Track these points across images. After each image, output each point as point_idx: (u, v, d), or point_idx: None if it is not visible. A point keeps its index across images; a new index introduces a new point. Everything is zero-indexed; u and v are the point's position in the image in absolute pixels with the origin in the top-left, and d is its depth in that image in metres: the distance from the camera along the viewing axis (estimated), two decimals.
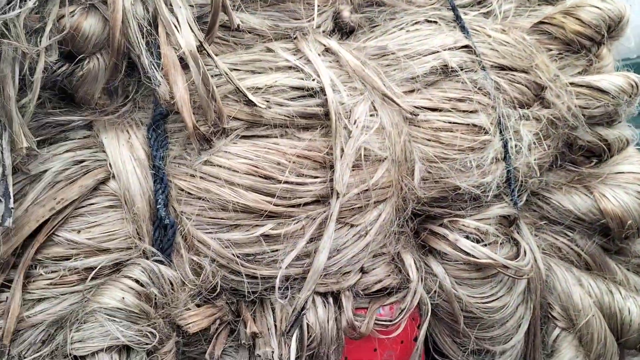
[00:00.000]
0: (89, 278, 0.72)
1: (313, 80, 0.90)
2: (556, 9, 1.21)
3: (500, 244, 1.04)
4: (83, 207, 0.75)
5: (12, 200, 0.65)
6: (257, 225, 0.83)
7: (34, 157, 0.74)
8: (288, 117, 0.86)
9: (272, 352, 0.78)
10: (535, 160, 1.10)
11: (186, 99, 0.77)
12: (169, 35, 0.77)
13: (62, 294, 0.71)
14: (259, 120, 0.85)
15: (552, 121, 1.11)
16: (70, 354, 0.65)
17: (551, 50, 1.18)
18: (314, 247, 0.87)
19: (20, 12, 0.62)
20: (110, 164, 0.77)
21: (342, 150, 0.89)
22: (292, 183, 0.85)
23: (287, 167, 0.84)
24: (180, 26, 0.77)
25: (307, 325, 0.86)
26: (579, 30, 1.15)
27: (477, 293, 1.01)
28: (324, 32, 1.05)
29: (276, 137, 0.86)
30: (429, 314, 1.00)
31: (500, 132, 1.06)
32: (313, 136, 0.89)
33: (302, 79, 0.89)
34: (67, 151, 0.76)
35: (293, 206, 0.85)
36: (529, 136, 1.08)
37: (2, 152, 0.65)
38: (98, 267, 0.72)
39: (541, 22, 1.20)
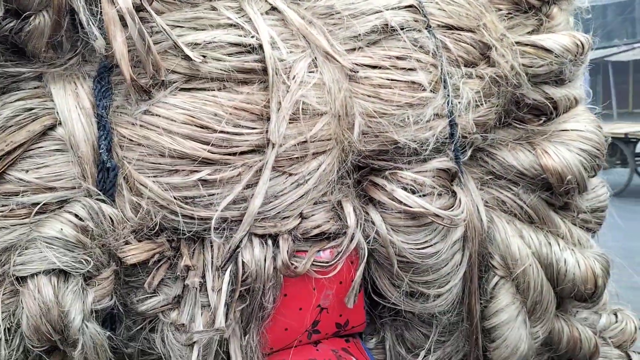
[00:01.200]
0: (34, 212, 0.81)
1: (252, 37, 0.96)
2: None
3: (438, 195, 1.10)
4: (32, 149, 0.84)
5: None
6: (194, 171, 0.91)
7: None
8: (225, 71, 0.93)
9: (200, 282, 0.87)
10: (477, 117, 1.15)
11: (124, 53, 0.84)
12: None
13: (12, 225, 0.81)
14: (197, 74, 0.92)
15: (495, 79, 1.15)
16: (13, 275, 0.75)
17: (501, 10, 1.22)
18: (250, 192, 0.95)
19: None
20: (57, 112, 0.86)
21: (280, 103, 0.96)
22: (228, 133, 0.92)
23: (224, 118, 0.92)
24: None
25: (243, 262, 0.95)
26: None
27: (412, 240, 1.09)
28: None
29: (214, 90, 0.93)
30: (365, 257, 1.07)
31: (445, 89, 1.12)
32: (251, 90, 0.96)
33: (241, 36, 0.96)
34: (18, 100, 0.85)
35: (229, 154, 0.93)
36: (470, 94, 1.13)
37: None
38: (42, 203, 0.82)
39: None
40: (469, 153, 1.20)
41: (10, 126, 0.82)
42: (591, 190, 1.32)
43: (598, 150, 1.20)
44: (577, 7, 1.30)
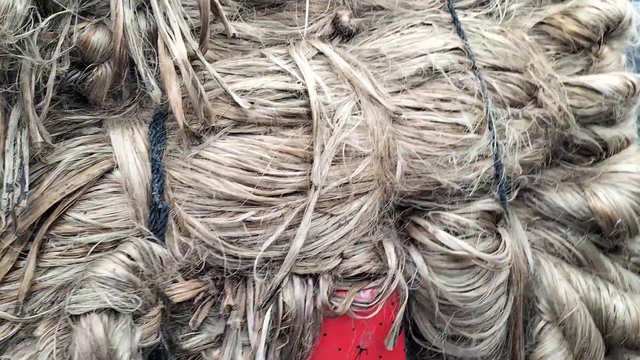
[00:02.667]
0: (90, 251, 0.86)
1: (298, 82, 1.00)
2: (557, 9, 1.23)
3: (482, 237, 1.10)
4: (91, 192, 0.90)
5: (27, 185, 0.80)
6: (239, 212, 0.94)
7: (52, 150, 0.88)
8: (272, 116, 0.96)
9: (241, 322, 0.90)
10: (523, 158, 1.14)
11: (178, 101, 0.89)
12: (166, 46, 0.89)
13: (69, 264, 0.86)
14: (245, 119, 0.95)
15: (542, 120, 1.14)
16: (67, 312, 0.80)
17: (549, 50, 1.21)
18: (292, 233, 0.97)
19: (33, 32, 0.76)
20: (115, 156, 0.91)
21: (323, 146, 0.99)
22: (272, 175, 0.95)
23: (269, 161, 0.95)
24: (175, 37, 0.89)
25: (283, 302, 0.97)
26: (576, 31, 1.17)
27: (454, 282, 1.08)
28: (321, 36, 1.14)
29: (261, 134, 0.97)
30: (406, 298, 1.08)
31: (490, 130, 1.11)
32: (296, 133, 0.99)
33: (288, 82, 0.99)
34: (79, 145, 0.91)
35: (273, 196, 0.96)
36: (516, 135, 1.12)
37: (21, 146, 0.80)
38: (98, 243, 0.87)
39: (541, 23, 1.22)
40: (515, 194, 1.19)
41: (71, 170, 0.88)
42: None
43: None
44: (629, 45, 1.27)
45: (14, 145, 0.80)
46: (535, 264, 1.19)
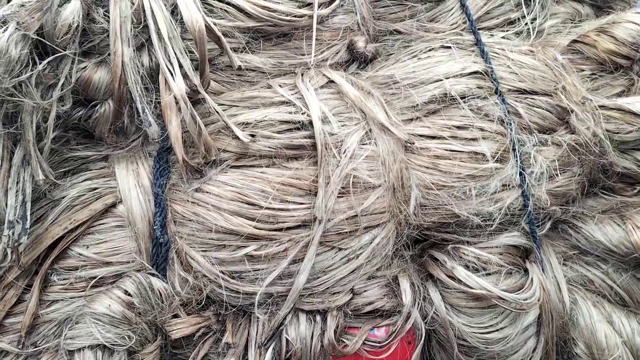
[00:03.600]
0: (90, 286, 0.87)
1: (303, 113, 0.97)
2: (592, 26, 1.13)
3: (507, 273, 1.02)
4: (94, 226, 0.92)
5: (28, 222, 0.83)
6: (241, 246, 0.92)
7: (57, 186, 0.91)
8: (274, 148, 0.95)
9: None
10: (553, 188, 1.05)
11: (178, 136, 0.89)
12: (167, 82, 0.90)
13: (71, 298, 0.88)
14: (247, 152, 0.94)
15: (575, 147, 1.05)
16: (63, 348, 0.81)
17: (583, 70, 1.12)
18: (296, 268, 0.94)
19: (30, 75, 0.79)
20: (119, 190, 0.93)
21: (329, 178, 0.95)
22: (274, 209, 0.93)
23: (271, 194, 0.93)
24: (175, 73, 0.89)
25: (287, 339, 0.94)
26: (612, 49, 1.08)
27: (475, 322, 1.01)
28: (335, 64, 1.12)
29: (263, 167, 0.95)
30: (423, 338, 1.01)
31: (514, 158, 1.04)
32: (301, 165, 0.96)
33: (292, 113, 0.97)
34: (85, 180, 0.93)
35: (276, 230, 0.93)
36: (545, 163, 1.04)
37: (24, 184, 0.83)
38: (98, 277, 0.88)
39: (575, 41, 1.13)
40: (547, 226, 1.09)
41: (75, 205, 0.91)
42: None
43: None
44: None
45: (17, 183, 0.83)
46: (572, 303, 1.09)
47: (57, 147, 0.91)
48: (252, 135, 0.94)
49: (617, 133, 1.06)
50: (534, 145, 1.05)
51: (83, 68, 0.88)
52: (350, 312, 1.00)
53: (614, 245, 1.07)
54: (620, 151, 1.08)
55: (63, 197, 0.91)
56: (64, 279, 0.89)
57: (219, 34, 0.93)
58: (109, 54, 0.90)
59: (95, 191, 0.93)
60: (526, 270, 1.04)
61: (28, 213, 0.83)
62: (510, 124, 1.04)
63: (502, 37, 1.17)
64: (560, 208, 1.09)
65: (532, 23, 1.19)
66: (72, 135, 0.94)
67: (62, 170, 0.92)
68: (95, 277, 0.89)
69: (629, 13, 1.09)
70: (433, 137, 1.03)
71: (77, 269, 0.89)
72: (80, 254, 0.89)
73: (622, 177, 1.12)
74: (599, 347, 1.04)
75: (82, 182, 0.93)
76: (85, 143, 0.96)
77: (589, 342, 1.06)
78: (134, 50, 0.89)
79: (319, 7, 1.05)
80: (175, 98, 0.89)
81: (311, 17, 1.04)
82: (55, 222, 0.89)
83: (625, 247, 1.06)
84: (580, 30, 1.17)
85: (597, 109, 1.07)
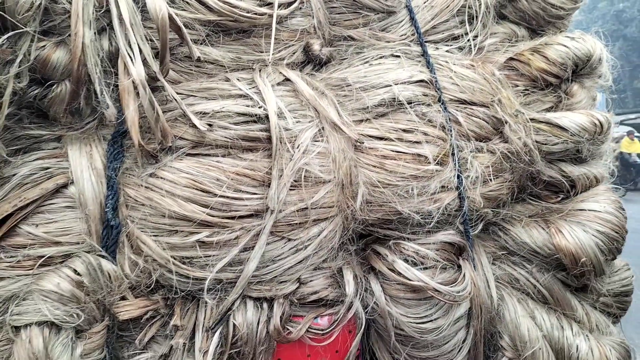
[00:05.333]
0: (38, 264, 0.87)
1: (260, 107, 1.01)
2: (527, 46, 1.24)
3: (442, 268, 1.09)
4: (44, 205, 0.91)
5: None
6: (193, 232, 0.94)
7: (8, 163, 0.90)
8: (230, 139, 0.98)
9: (185, 343, 0.90)
10: (487, 192, 1.14)
11: (135, 121, 0.91)
12: (126, 66, 0.91)
13: (17, 275, 0.87)
14: (203, 141, 0.97)
15: (507, 155, 1.14)
16: (9, 324, 0.80)
17: (518, 86, 1.22)
18: (247, 256, 0.97)
19: None
20: (71, 171, 0.93)
21: (282, 170, 0.99)
22: (228, 197, 0.96)
23: (225, 183, 0.96)
24: (135, 58, 0.91)
25: (234, 324, 0.96)
26: (544, 68, 1.18)
27: (411, 313, 1.07)
28: (291, 63, 1.16)
29: (218, 156, 0.98)
30: (363, 327, 1.07)
31: (453, 162, 1.12)
32: (255, 157, 1.00)
33: (249, 106, 1.01)
34: (37, 159, 0.93)
35: (228, 218, 0.96)
36: (480, 168, 1.12)
37: None
38: (48, 256, 0.87)
39: (511, 59, 1.24)
40: (480, 227, 1.18)
41: (26, 183, 0.90)
42: (614, 273, 1.26)
43: (617, 233, 1.14)
44: (602, 84, 1.27)
45: None
46: (499, 299, 1.18)
47: (10, 124, 0.90)
48: (210, 125, 0.97)
49: (545, 144, 1.16)
50: (471, 151, 1.14)
51: (42, 47, 0.88)
52: (296, 301, 1.04)
53: (539, 247, 1.17)
54: (547, 161, 1.19)
55: (13, 175, 0.90)
56: (11, 257, 0.87)
57: (180, 24, 0.95)
58: (69, 35, 0.90)
59: (46, 171, 0.92)
60: (459, 266, 1.11)
61: None
62: (451, 130, 1.12)
63: (446, 51, 1.26)
64: (492, 211, 1.18)
65: (474, 40, 1.28)
66: (26, 114, 0.93)
67: (13, 148, 0.91)
68: (43, 256, 0.88)
69: (560, 36, 1.21)
70: (381, 138, 1.09)
71: (26, 247, 0.88)
72: (29, 233, 0.89)
73: (548, 185, 1.23)
74: (522, 340, 1.13)
75: (33, 161, 0.92)
76: (38, 122, 0.95)
77: (513, 335, 1.15)
78: (94, 33, 0.90)
79: (278, 7, 1.10)
80: (133, 83, 0.90)
81: (271, 16, 1.08)
82: (5, 199, 0.88)
83: (548, 248, 1.16)
84: (517, 49, 1.28)
85: (528, 122, 1.17)
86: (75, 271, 0.86)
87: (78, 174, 0.92)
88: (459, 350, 1.12)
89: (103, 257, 0.91)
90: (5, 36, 0.81)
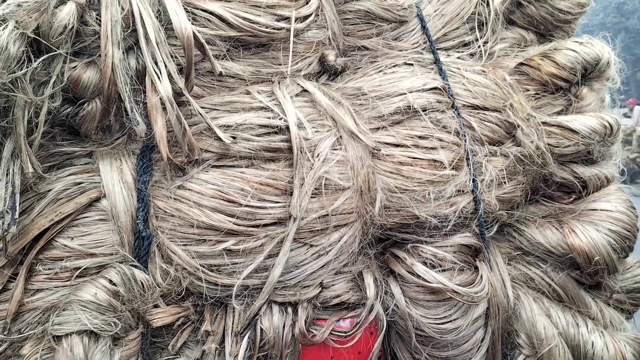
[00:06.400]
0: (75, 275, 0.91)
1: (280, 119, 1.05)
2: (537, 51, 1.27)
3: (460, 270, 1.12)
4: (78, 219, 0.95)
5: (17, 212, 0.86)
6: (220, 241, 0.98)
7: (43, 179, 0.94)
8: (253, 150, 1.01)
9: (217, 348, 0.93)
10: (501, 194, 1.17)
11: (163, 136, 0.95)
12: (153, 84, 0.95)
13: (55, 287, 0.91)
14: (228, 153, 1.01)
15: (520, 158, 1.18)
16: (50, 333, 0.84)
17: (529, 90, 1.25)
18: (271, 262, 1.01)
19: (26, 72, 0.82)
20: (103, 185, 0.97)
21: (303, 179, 1.03)
22: (252, 206, 1.00)
23: (249, 193, 1.00)
24: (161, 76, 0.95)
25: (261, 329, 1.00)
26: (554, 73, 1.22)
27: (431, 314, 1.11)
28: (307, 75, 1.20)
29: (242, 167, 1.02)
30: (384, 329, 1.10)
31: (468, 167, 1.15)
32: (277, 167, 1.04)
33: (270, 118, 1.04)
34: (69, 174, 0.97)
35: (253, 226, 1.00)
36: (494, 172, 1.16)
37: (13, 176, 0.86)
38: (83, 268, 0.92)
39: (522, 64, 1.27)
40: (495, 229, 1.22)
41: (60, 198, 0.94)
42: (626, 271, 1.29)
43: (629, 231, 1.18)
44: (610, 87, 1.30)
45: (7, 174, 0.86)
46: (515, 298, 1.21)
47: (44, 142, 0.94)
48: (233, 137, 1.01)
49: (557, 147, 1.20)
50: (484, 155, 1.17)
51: (73, 67, 0.92)
52: (319, 304, 1.08)
53: (553, 246, 1.20)
54: (560, 163, 1.22)
55: (49, 191, 0.94)
56: (48, 269, 0.92)
57: (203, 41, 0.99)
58: (98, 55, 0.94)
59: (79, 185, 0.96)
60: (476, 268, 1.15)
61: (17, 204, 0.86)
62: (465, 135, 1.16)
63: (458, 58, 1.29)
64: (506, 212, 1.22)
65: (484, 46, 1.31)
66: (58, 131, 0.97)
67: (47, 164, 0.96)
68: (79, 268, 0.92)
69: (568, 41, 1.24)
70: (397, 145, 1.13)
71: (62, 260, 0.92)
72: (65, 245, 0.93)
73: (560, 186, 1.26)
74: (539, 338, 1.17)
75: (67, 176, 0.97)
76: (70, 139, 0.99)
77: (530, 333, 1.18)
78: (123, 52, 0.94)
79: (295, 21, 1.13)
80: (161, 99, 0.95)
81: (288, 30, 1.12)
82: (41, 214, 0.92)
83: (562, 248, 1.19)
84: (526, 54, 1.31)
85: (540, 125, 1.20)
86: (110, 281, 0.90)
87: (110, 187, 0.96)
88: (478, 349, 1.15)
89: (136, 267, 0.94)
90: (40, 59, 0.85)
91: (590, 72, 1.23)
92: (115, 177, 0.98)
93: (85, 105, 0.95)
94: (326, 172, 1.05)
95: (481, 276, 1.12)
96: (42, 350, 0.87)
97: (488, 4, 1.32)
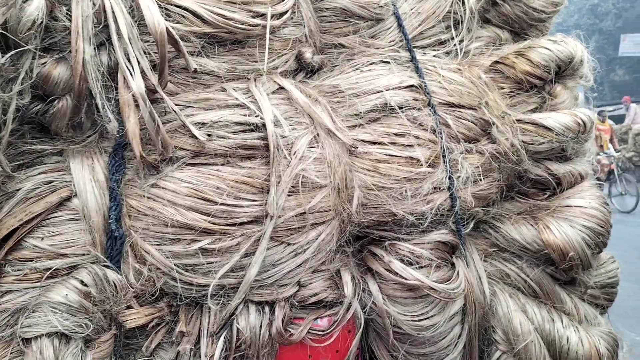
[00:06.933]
0: (45, 276, 0.89)
1: (256, 116, 1.04)
2: (512, 49, 1.29)
3: (437, 267, 1.13)
4: (49, 219, 0.93)
5: None
6: (195, 240, 0.97)
7: (12, 178, 0.92)
8: (229, 148, 1.00)
9: (192, 349, 0.92)
10: (477, 191, 1.18)
11: (136, 133, 0.93)
12: (125, 80, 0.93)
13: (24, 288, 0.89)
14: (203, 151, 0.99)
15: (495, 155, 1.19)
16: (19, 336, 0.82)
17: (503, 88, 1.26)
18: (248, 261, 1.00)
19: None
20: (74, 184, 0.95)
21: (280, 177, 1.02)
22: (228, 205, 0.98)
23: (225, 191, 0.98)
24: (134, 72, 0.93)
25: (238, 329, 0.99)
26: (528, 71, 1.23)
27: (408, 311, 1.11)
28: (284, 72, 1.19)
29: (218, 165, 1.00)
30: (362, 326, 1.10)
31: (444, 164, 1.16)
32: (254, 165, 1.03)
33: (246, 115, 1.03)
34: (40, 173, 0.94)
35: (229, 225, 0.99)
36: (470, 169, 1.16)
37: None
38: (54, 268, 0.89)
39: (497, 62, 1.28)
40: (471, 225, 1.22)
41: (30, 197, 0.92)
42: (600, 266, 1.31)
43: (602, 227, 1.19)
44: (584, 84, 1.32)
45: None
46: (491, 294, 1.22)
47: (13, 140, 0.92)
48: (209, 135, 0.99)
49: (532, 144, 1.21)
50: (461, 152, 1.18)
51: (43, 63, 0.90)
52: (296, 303, 1.07)
53: (528, 243, 1.21)
54: (534, 160, 1.23)
55: (18, 190, 0.92)
56: (18, 270, 0.89)
57: (177, 37, 0.98)
58: (69, 51, 0.92)
59: (50, 184, 0.94)
60: (453, 265, 1.15)
61: None
62: (441, 133, 1.16)
63: (434, 56, 1.30)
64: (482, 209, 1.22)
65: (459, 44, 1.32)
66: (28, 129, 0.95)
67: (16, 163, 0.93)
68: (49, 269, 0.90)
69: (543, 40, 1.26)
70: (374, 143, 1.13)
71: (32, 260, 0.90)
72: (35, 246, 0.90)
73: (535, 183, 1.27)
74: (515, 334, 1.18)
75: (36, 175, 0.94)
76: (40, 137, 0.97)
77: (506, 329, 1.19)
78: (94, 48, 0.92)
79: (271, 18, 1.12)
80: (133, 96, 0.93)
81: (264, 26, 1.11)
82: (10, 213, 0.90)
83: (537, 244, 1.20)
84: (501, 52, 1.32)
85: (514, 123, 1.21)
86: (82, 282, 0.88)
87: (81, 186, 0.94)
88: (455, 346, 1.16)
89: (108, 267, 0.93)
90: (8, 55, 0.83)
91: (564, 70, 1.25)
92: (87, 176, 0.95)
93: (56, 102, 0.93)
94: (303, 170, 1.04)
95: (458, 273, 1.13)
96: (11, 353, 0.85)
97: (464, 3, 1.33)
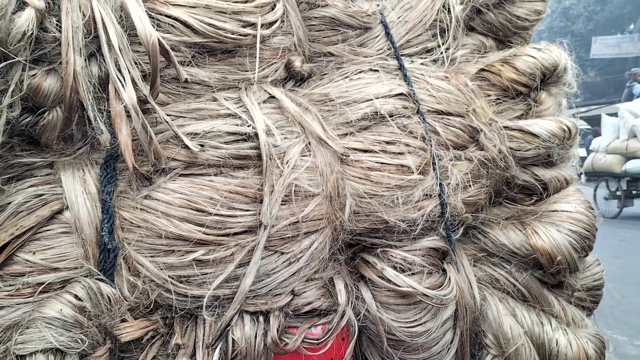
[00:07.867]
0: (38, 291, 0.87)
1: (249, 126, 1.04)
2: (497, 57, 1.31)
3: (428, 273, 1.14)
4: (40, 232, 0.92)
5: None
6: (189, 251, 0.96)
7: (2, 191, 0.90)
8: (222, 158, 1.00)
9: None
10: (466, 197, 1.20)
11: (128, 144, 0.92)
12: (117, 91, 0.93)
13: (17, 304, 0.87)
14: (195, 161, 0.99)
15: (484, 162, 1.20)
16: (13, 353, 0.80)
17: (490, 95, 1.28)
18: (242, 271, 1.00)
19: None
20: (65, 197, 0.93)
21: (273, 186, 1.02)
22: (222, 215, 0.98)
23: (219, 201, 0.98)
24: (125, 83, 0.92)
25: (233, 339, 0.99)
26: (514, 78, 1.25)
27: (402, 318, 1.11)
28: (274, 81, 1.19)
29: (211, 175, 1.00)
30: (356, 334, 1.10)
31: (434, 171, 1.17)
32: (247, 175, 1.02)
33: (238, 125, 1.03)
34: (30, 186, 0.93)
35: (223, 235, 0.98)
36: (459, 175, 1.18)
37: None
38: (47, 283, 0.88)
39: (483, 70, 1.30)
40: (460, 231, 1.24)
41: (21, 211, 0.90)
42: (586, 269, 1.34)
43: (588, 231, 1.22)
44: (567, 91, 1.35)
45: None
46: (482, 299, 1.23)
47: (2, 152, 0.90)
48: (201, 145, 0.99)
49: (519, 150, 1.23)
50: (450, 159, 1.19)
51: (33, 75, 0.89)
52: (290, 312, 1.07)
53: (516, 247, 1.23)
54: (521, 166, 1.25)
55: (8, 203, 0.90)
56: (10, 285, 0.88)
57: (168, 47, 0.97)
58: (59, 63, 0.91)
59: (41, 197, 0.93)
60: (444, 270, 1.17)
61: None
62: (431, 140, 1.18)
63: (421, 64, 1.32)
64: (472, 215, 1.24)
65: (446, 52, 1.34)
66: (17, 142, 0.94)
67: (6, 176, 0.92)
68: (42, 283, 0.88)
69: (527, 48, 1.28)
70: (365, 151, 1.14)
71: (24, 275, 0.88)
72: (27, 260, 0.89)
73: (522, 188, 1.30)
74: (505, 338, 1.19)
75: (27, 188, 0.93)
76: (30, 150, 0.95)
77: (496, 333, 1.21)
78: (85, 59, 0.92)
79: (261, 27, 1.13)
80: (125, 107, 0.92)
81: (254, 36, 1.11)
82: (1, 228, 0.88)
83: (525, 249, 1.22)
84: (487, 60, 1.35)
85: (502, 129, 1.23)
86: (76, 296, 0.87)
87: (72, 199, 0.93)
88: (447, 351, 1.17)
89: (102, 280, 0.91)
90: None
91: (548, 77, 1.27)
92: (78, 188, 0.94)
93: (46, 114, 0.92)
94: (296, 179, 1.05)
95: (449, 278, 1.14)
96: None
97: (449, 11, 1.35)
